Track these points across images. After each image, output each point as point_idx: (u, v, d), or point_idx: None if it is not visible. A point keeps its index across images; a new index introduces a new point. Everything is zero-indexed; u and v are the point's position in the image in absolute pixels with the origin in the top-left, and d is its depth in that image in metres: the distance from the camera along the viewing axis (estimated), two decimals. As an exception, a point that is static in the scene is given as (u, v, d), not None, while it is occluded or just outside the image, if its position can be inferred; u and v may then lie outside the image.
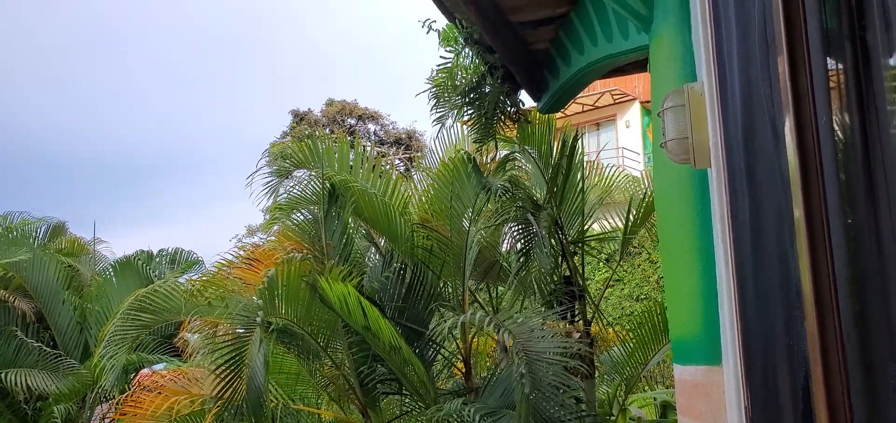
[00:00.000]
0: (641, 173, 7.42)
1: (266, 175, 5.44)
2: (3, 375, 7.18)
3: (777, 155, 1.00)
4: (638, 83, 19.19)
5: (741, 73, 1.32)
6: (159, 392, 4.95)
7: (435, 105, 4.98)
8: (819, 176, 0.85)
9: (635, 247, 11.62)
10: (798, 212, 0.89)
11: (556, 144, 5.36)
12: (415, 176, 7.16)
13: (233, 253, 5.58)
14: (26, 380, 7.18)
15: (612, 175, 6.41)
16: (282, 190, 5.43)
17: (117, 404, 6.64)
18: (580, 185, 5.38)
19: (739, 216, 1.48)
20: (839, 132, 0.86)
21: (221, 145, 68.91)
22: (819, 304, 0.85)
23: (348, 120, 25.88)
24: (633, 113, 20.21)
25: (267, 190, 5.34)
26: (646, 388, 8.77)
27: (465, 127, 5.60)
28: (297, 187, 5.38)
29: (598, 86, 18.55)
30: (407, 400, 5.17)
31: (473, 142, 5.24)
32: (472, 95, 4.74)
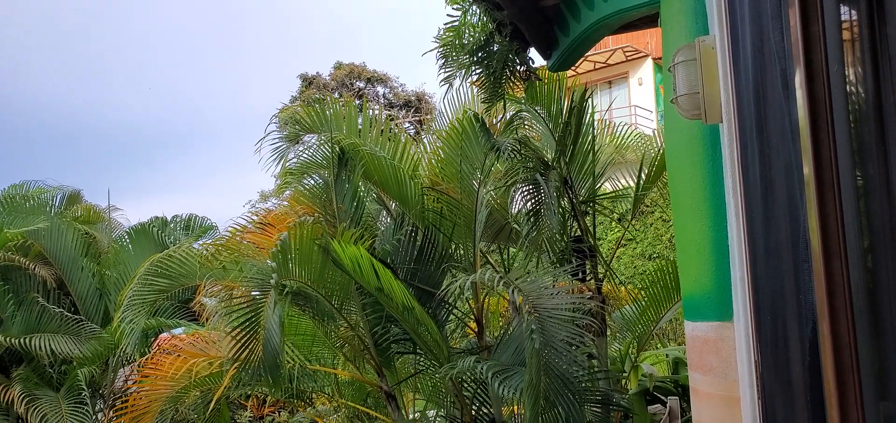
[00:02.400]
0: (654, 131, 7.35)
1: (275, 140, 5.45)
2: (28, 340, 7.38)
3: (787, 107, 0.99)
4: (650, 39, 18.86)
5: (753, 25, 1.30)
6: (178, 355, 5.07)
7: (442, 65, 4.93)
8: (829, 126, 0.84)
9: (648, 206, 11.59)
10: (807, 163, 0.88)
11: (566, 102, 5.31)
12: (424, 139, 7.15)
13: (246, 218, 5.64)
14: (50, 344, 7.36)
15: (624, 134, 6.35)
16: (292, 155, 5.44)
17: (139, 366, 6.81)
18: (591, 144, 5.34)
19: (750, 171, 1.47)
20: (851, 84, 0.84)
21: (231, 113, 69.01)
22: (827, 256, 0.85)
23: (357, 83, 25.75)
24: (646, 70, 19.92)
25: (276, 155, 5.36)
26: (658, 345, 8.84)
27: (474, 88, 5.55)
28: (306, 152, 5.39)
29: (610, 43, 18.26)
30: (421, 359, 5.24)
31: (482, 102, 5.20)
32: (480, 54, 4.68)
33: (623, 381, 5.82)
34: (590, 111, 5.28)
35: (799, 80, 0.88)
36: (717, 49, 1.74)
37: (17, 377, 7.61)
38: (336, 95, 23.79)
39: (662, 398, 5.46)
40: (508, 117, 5.36)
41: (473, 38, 4.64)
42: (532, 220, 4.94)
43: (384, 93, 26.14)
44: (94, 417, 7.73)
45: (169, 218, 9.54)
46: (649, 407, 5.26)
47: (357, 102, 6.26)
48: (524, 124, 5.52)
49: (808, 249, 0.92)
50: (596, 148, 5.42)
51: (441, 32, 4.81)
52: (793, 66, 0.94)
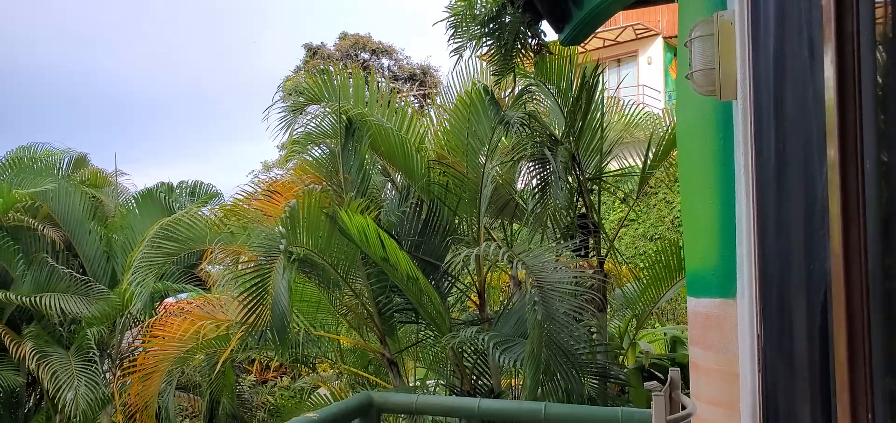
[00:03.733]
0: (661, 111, 7.32)
1: (281, 110, 5.46)
2: (38, 298, 7.47)
3: (811, 77, 1.00)
4: (662, 18, 18.69)
5: (775, -1, 1.30)
6: (186, 317, 5.13)
7: (452, 35, 4.90)
8: (857, 98, 0.86)
9: (651, 187, 11.58)
10: (831, 139, 0.90)
11: (576, 78, 5.29)
12: (431, 112, 7.14)
13: (252, 186, 5.66)
14: (60, 304, 7.46)
15: (634, 112, 6.34)
16: (298, 125, 5.45)
17: (146, 328, 6.91)
18: (600, 121, 5.33)
19: (764, 147, 1.48)
20: (883, 55, 0.85)
21: (235, 82, 68.62)
22: (845, 222, 0.87)
23: (362, 54, 25.55)
24: (656, 49, 19.75)
25: (282, 125, 5.37)
26: (656, 325, 8.90)
27: (482, 62, 5.53)
28: (312, 122, 5.40)
29: (620, 20, 18.10)
30: (423, 329, 5.31)
31: (492, 75, 5.18)
32: (491, 25, 4.65)
33: (621, 357, 5.89)
34: (600, 88, 5.27)
35: (828, 52, 0.89)
36: (735, 24, 1.74)
37: (28, 335, 7.73)
38: (341, 66, 23.62)
39: (659, 374, 5.53)
40: (517, 92, 5.35)
41: (485, 9, 4.60)
42: (538, 195, 4.96)
43: (389, 65, 25.95)
44: (102, 375, 7.85)
45: (174, 184, 9.59)
46: (645, 383, 5.33)
47: (363, 73, 6.25)
48: (533, 99, 5.51)
49: (824, 218, 0.95)
50: (604, 125, 5.41)
51: (452, 2, 4.78)
52: (819, 38, 0.95)
